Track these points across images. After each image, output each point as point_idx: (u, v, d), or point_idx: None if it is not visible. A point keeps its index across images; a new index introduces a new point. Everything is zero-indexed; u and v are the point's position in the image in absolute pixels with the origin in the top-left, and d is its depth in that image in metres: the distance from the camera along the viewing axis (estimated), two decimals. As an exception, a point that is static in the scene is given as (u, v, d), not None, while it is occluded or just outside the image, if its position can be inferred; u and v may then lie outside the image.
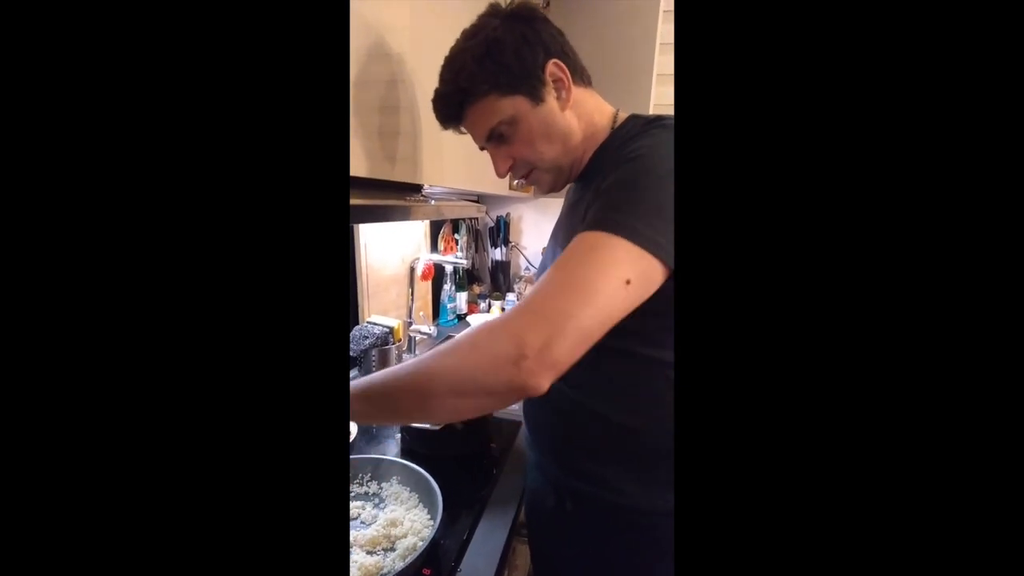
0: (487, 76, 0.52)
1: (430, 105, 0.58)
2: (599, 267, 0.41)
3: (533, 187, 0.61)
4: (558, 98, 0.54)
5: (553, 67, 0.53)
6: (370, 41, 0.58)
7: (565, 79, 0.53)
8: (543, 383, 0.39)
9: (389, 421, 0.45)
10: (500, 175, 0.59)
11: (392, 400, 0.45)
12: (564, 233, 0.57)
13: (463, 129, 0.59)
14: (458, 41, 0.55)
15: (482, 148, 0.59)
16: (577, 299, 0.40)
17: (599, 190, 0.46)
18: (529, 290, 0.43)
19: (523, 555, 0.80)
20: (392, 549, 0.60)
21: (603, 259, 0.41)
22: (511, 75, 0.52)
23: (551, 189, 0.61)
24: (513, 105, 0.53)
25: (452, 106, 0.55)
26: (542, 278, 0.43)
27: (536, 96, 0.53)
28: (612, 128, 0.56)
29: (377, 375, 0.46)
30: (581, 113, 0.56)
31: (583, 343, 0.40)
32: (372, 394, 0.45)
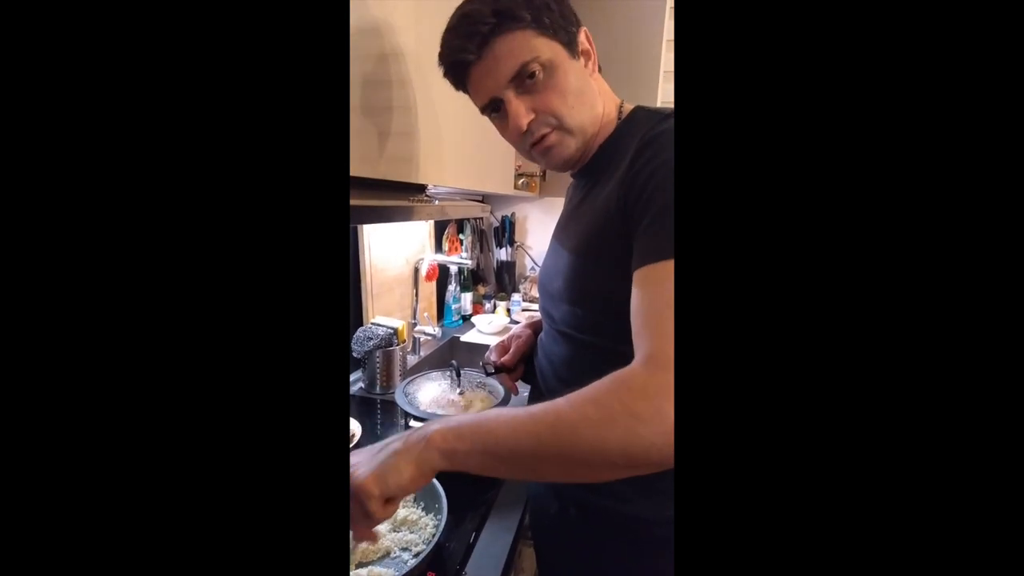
0: (531, 6, 0.45)
1: (429, 103, 0.56)
2: None
3: (537, 183, 0.58)
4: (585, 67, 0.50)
5: (584, 36, 0.50)
6: (368, 39, 0.58)
7: (592, 52, 0.50)
8: None
9: (511, 476, 0.38)
10: (519, 129, 0.49)
11: (530, 465, 0.38)
12: (571, 235, 0.54)
13: (467, 86, 0.50)
14: None
15: (485, 108, 0.51)
16: None
17: (646, 208, 0.41)
18: (649, 332, 0.37)
19: (529, 558, 0.80)
20: (395, 552, 0.59)
21: None
22: (554, 16, 0.46)
23: (567, 160, 0.53)
24: (551, 48, 0.46)
25: (476, 33, 0.45)
26: (657, 320, 0.37)
27: (573, 50, 0.48)
28: (618, 119, 0.54)
29: (494, 425, 0.38)
30: (602, 91, 0.53)
31: None
32: (501, 452, 0.37)
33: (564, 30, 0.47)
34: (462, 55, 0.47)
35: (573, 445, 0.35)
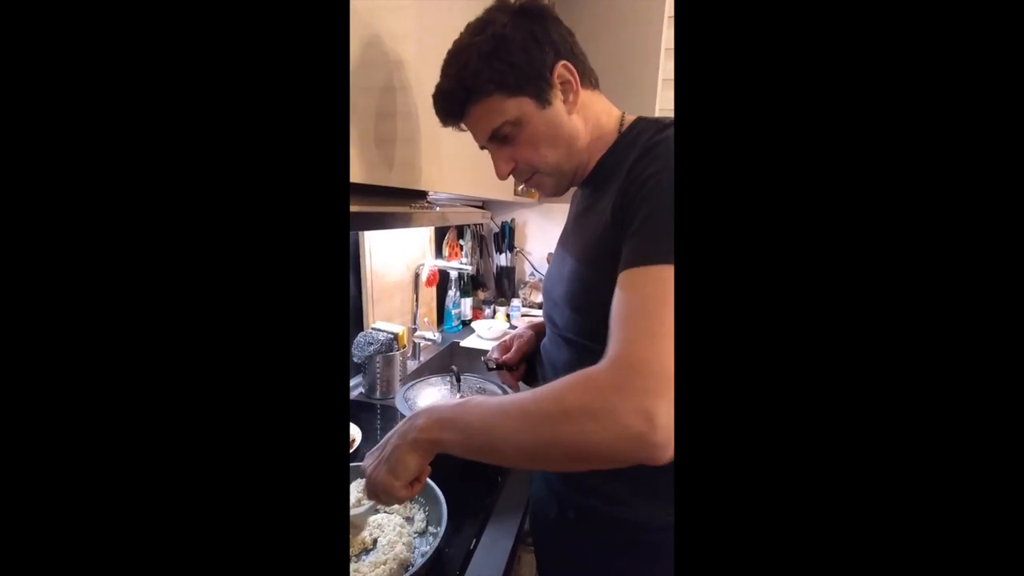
0: (493, 75, 0.50)
1: (429, 110, 0.57)
2: None
3: (537, 192, 0.60)
4: (565, 101, 0.52)
5: (562, 69, 0.51)
6: (370, 47, 0.58)
7: (573, 81, 0.52)
8: (670, 453, 0.35)
9: (490, 462, 0.44)
10: (501, 177, 0.57)
11: (498, 452, 0.42)
12: (575, 242, 0.56)
13: (463, 127, 0.57)
14: (463, 35, 0.53)
15: (482, 147, 0.58)
16: None
17: (635, 214, 0.43)
18: (621, 334, 0.39)
19: (528, 564, 0.79)
20: (395, 557, 0.59)
21: None
22: (519, 75, 0.50)
23: (553, 193, 0.59)
24: (519, 106, 0.51)
25: (455, 104, 0.53)
26: (631, 322, 0.39)
27: (543, 98, 0.51)
28: (619, 131, 0.55)
29: (471, 418, 0.43)
30: (588, 116, 0.54)
31: None
32: (476, 444, 0.43)
33: (532, 83, 0.51)
34: (449, 123, 0.56)
35: (533, 440, 0.39)
